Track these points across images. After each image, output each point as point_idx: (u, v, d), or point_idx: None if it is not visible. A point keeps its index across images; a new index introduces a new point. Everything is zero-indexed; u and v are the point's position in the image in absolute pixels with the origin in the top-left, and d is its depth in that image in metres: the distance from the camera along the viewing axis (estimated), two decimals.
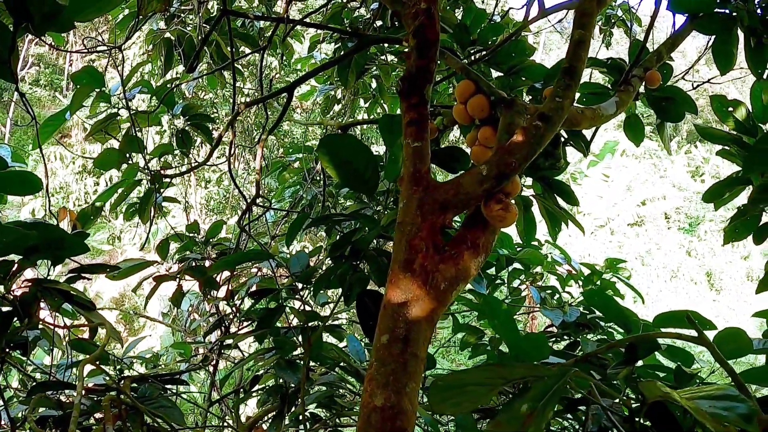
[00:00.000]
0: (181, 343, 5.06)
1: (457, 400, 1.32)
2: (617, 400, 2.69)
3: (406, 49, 2.12)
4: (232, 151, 3.55)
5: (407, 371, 1.61)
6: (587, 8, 2.21)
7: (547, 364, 2.35)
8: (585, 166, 30.06)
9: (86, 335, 3.66)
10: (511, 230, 3.83)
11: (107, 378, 3.16)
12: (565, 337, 3.85)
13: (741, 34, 3.14)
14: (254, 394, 3.81)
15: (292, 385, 3.38)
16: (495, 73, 3.45)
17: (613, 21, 7.43)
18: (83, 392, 3.05)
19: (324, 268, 2.99)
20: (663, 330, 2.67)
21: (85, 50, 4.39)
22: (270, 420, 3.60)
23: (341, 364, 3.37)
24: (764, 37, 3.13)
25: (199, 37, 4.63)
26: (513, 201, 1.98)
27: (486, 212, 1.92)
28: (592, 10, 2.21)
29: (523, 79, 3.32)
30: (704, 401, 1.31)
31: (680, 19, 3.20)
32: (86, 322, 3.32)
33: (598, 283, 4.53)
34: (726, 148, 3.57)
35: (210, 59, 5.14)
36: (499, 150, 1.97)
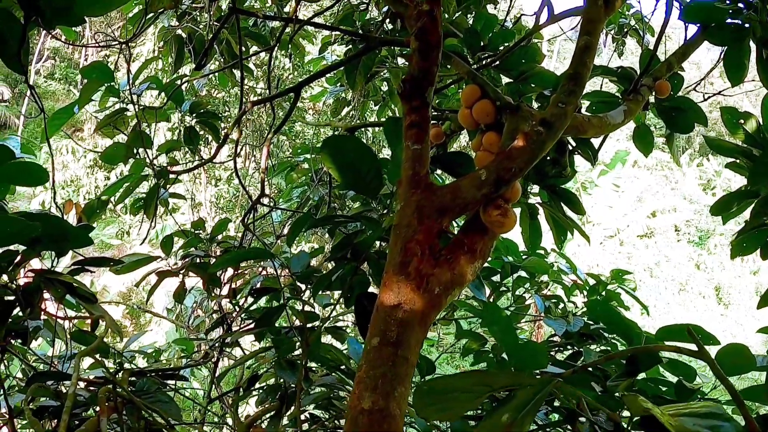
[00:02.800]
0: (183, 339, 5.06)
1: (442, 405, 1.30)
2: (617, 412, 2.67)
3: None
4: (239, 150, 3.55)
5: (397, 375, 1.60)
6: (593, 15, 2.20)
7: (545, 374, 2.34)
8: (596, 175, 30.01)
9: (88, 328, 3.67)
10: (517, 238, 3.82)
11: (106, 370, 3.17)
12: (568, 347, 3.83)
13: (753, 46, 3.11)
14: (254, 392, 3.81)
15: (292, 385, 3.37)
16: (505, 79, 3.44)
17: (625, 30, 7.40)
18: (82, 385, 3.07)
19: (325, 268, 2.99)
20: (664, 343, 2.64)
21: (95, 45, 4.41)
22: (268, 419, 3.60)
23: (341, 366, 3.36)
24: None
25: (209, 36, 4.64)
26: (512, 207, 1.96)
27: (484, 218, 1.91)
28: (598, 17, 2.20)
29: (533, 85, 3.30)
30: (689, 419, 1.28)
31: (693, 29, 3.18)
32: (88, 315, 3.33)
33: (603, 293, 4.51)
34: (736, 161, 3.54)
35: (221, 57, 5.15)
36: (499, 155, 1.96)
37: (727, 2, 3.03)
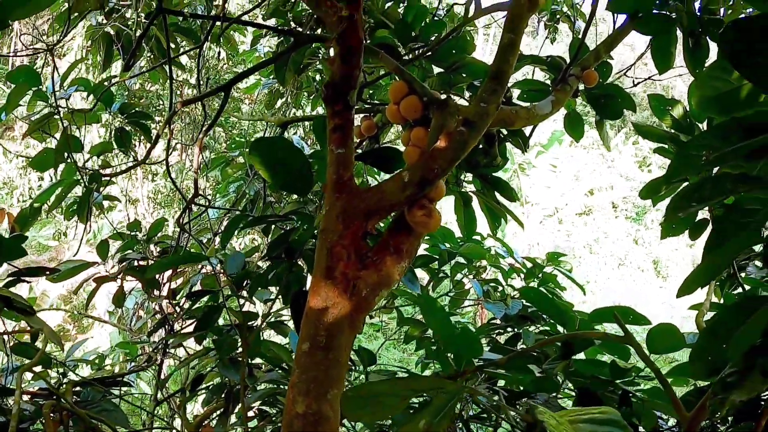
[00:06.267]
0: (125, 343, 5.00)
1: (371, 409, 1.34)
2: (554, 395, 2.76)
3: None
4: (169, 152, 3.52)
5: (329, 377, 1.62)
6: (517, 12, 2.22)
7: (483, 361, 2.41)
8: (533, 156, 30.39)
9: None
10: (453, 225, 3.88)
11: (48, 384, 3.12)
12: (508, 329, 3.91)
13: (680, 34, 3.20)
14: (200, 392, 3.80)
15: (237, 384, 3.37)
16: (437, 69, 3.46)
17: (558, 17, 7.50)
18: (26, 398, 3.01)
19: (261, 267, 2.99)
20: (596, 328, 2.74)
21: (21, 55, 4.29)
22: (216, 418, 3.60)
23: (282, 363, 3.38)
24: (702, 38, 3.20)
25: (137, 33, 4.56)
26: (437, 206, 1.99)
27: (409, 218, 1.93)
28: (522, 14, 2.22)
29: (464, 75, 3.34)
30: (587, 425, 1.32)
31: (621, 18, 3.25)
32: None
33: (540, 275, 4.60)
34: (664, 146, 3.64)
35: (150, 53, 5.06)
36: (422, 156, 1.98)
37: None
